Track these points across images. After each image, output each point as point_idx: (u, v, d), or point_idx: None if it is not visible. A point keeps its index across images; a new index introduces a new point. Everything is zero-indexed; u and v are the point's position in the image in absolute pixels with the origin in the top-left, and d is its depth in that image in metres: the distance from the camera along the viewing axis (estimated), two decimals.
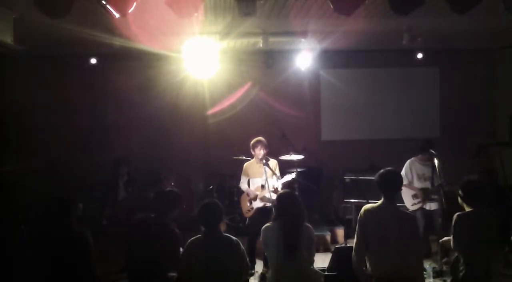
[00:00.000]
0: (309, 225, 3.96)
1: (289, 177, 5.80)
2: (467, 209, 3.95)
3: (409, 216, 3.92)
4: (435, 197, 6.00)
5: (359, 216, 3.80)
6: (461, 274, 3.82)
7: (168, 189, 4.35)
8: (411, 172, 6.27)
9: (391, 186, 3.81)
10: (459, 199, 4.04)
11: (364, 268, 3.75)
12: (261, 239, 3.97)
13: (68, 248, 3.66)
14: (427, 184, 6.14)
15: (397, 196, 3.90)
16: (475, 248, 3.80)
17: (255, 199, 5.82)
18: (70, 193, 4.07)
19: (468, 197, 3.95)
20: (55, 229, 3.76)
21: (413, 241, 3.72)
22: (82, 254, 3.70)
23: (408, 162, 6.33)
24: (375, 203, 3.82)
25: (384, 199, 3.79)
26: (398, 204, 6.17)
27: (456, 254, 3.97)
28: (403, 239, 3.63)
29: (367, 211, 3.75)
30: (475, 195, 3.94)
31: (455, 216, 3.91)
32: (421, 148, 6.19)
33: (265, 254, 4.04)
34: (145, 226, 4.02)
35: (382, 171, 3.87)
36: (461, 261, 3.85)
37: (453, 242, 3.88)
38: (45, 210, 4.01)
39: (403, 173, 6.32)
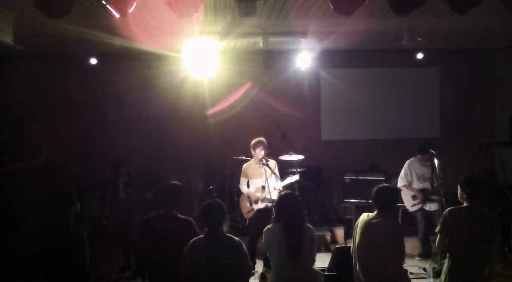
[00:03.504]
0: (310, 226, 3.97)
1: (292, 179, 5.79)
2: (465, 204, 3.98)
3: (397, 227, 4.04)
4: (435, 197, 6.00)
5: (355, 224, 4.06)
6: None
7: (170, 182, 4.25)
8: (410, 172, 6.27)
9: (386, 202, 4.01)
10: (460, 193, 4.02)
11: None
12: (263, 240, 3.98)
13: (63, 247, 3.65)
14: (427, 185, 6.14)
15: (391, 210, 4.11)
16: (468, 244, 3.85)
17: (256, 202, 5.81)
18: (70, 191, 4.03)
19: (471, 191, 3.94)
20: (52, 227, 3.75)
21: (396, 249, 3.90)
22: (76, 254, 3.68)
23: (407, 162, 6.33)
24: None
25: (379, 212, 3.97)
26: (398, 204, 6.29)
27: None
28: (386, 248, 3.85)
29: (362, 222, 4.00)
30: (478, 190, 3.97)
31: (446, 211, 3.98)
32: (420, 148, 6.19)
33: (267, 254, 4.04)
34: (159, 224, 3.96)
35: (378, 187, 4.06)
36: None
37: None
38: (45, 207, 3.99)
39: (402, 173, 6.33)
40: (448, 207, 4.03)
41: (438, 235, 3.97)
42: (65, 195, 3.85)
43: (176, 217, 3.98)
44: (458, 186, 4.00)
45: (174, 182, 4.19)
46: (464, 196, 3.95)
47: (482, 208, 3.93)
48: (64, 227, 3.72)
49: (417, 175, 6.23)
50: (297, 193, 6.17)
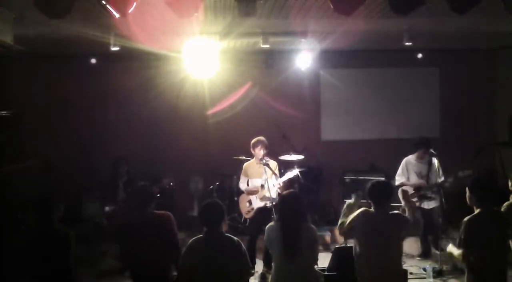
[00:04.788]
0: (311, 226, 3.97)
1: (291, 174, 5.78)
2: (477, 210, 3.81)
3: (399, 219, 4.02)
4: (432, 195, 5.99)
5: (354, 216, 3.97)
6: None
7: (140, 184, 4.38)
8: (407, 170, 6.27)
9: (380, 196, 3.96)
10: (469, 197, 3.87)
11: None
12: (265, 237, 4.02)
13: (49, 247, 3.67)
14: (423, 182, 6.13)
15: (388, 204, 4.02)
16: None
17: (255, 193, 5.80)
18: (56, 192, 4.08)
19: (483, 194, 3.81)
20: (37, 228, 3.79)
21: (396, 243, 3.90)
22: (62, 254, 3.70)
23: (404, 160, 6.33)
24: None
25: (374, 207, 3.94)
26: (397, 204, 6.27)
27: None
28: (388, 244, 3.83)
29: (361, 214, 3.93)
30: (489, 192, 3.85)
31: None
32: (416, 143, 6.19)
33: (268, 253, 4.08)
34: (135, 226, 4.02)
35: (373, 181, 4.07)
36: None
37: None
38: (30, 209, 4.04)
39: (399, 171, 6.33)
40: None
41: (462, 251, 3.73)
42: (48, 196, 3.88)
43: (153, 214, 4.05)
44: (467, 189, 3.85)
45: (142, 184, 4.33)
46: (474, 199, 3.81)
47: (495, 209, 3.85)
48: (49, 227, 3.74)
49: (415, 173, 6.22)
50: None
